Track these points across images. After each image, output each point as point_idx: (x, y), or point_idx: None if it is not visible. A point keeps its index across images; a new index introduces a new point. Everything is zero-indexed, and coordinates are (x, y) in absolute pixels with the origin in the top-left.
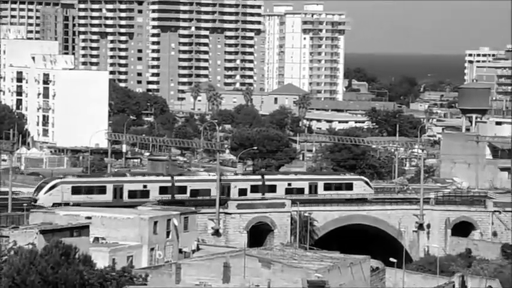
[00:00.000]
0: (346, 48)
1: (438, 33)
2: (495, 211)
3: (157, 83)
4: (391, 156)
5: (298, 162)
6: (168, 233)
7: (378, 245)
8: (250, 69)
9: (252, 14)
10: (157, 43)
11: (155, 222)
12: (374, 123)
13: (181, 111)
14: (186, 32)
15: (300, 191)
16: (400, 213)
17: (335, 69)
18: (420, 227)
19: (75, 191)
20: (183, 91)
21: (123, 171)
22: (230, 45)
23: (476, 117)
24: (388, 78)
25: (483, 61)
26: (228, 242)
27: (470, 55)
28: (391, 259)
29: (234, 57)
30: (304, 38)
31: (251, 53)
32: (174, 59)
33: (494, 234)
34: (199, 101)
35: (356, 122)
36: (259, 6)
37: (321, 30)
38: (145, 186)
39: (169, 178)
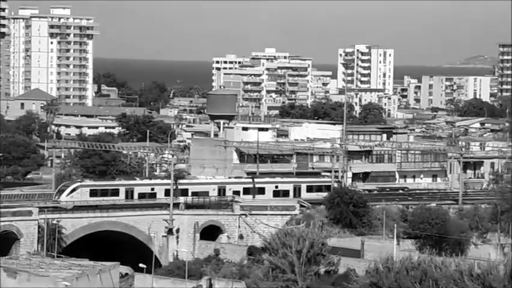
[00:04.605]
0: (95, 53)
1: (186, 40)
2: (242, 214)
3: None
4: (141, 162)
5: (47, 169)
6: None
7: (127, 251)
8: None
9: None
10: None
11: None
12: (124, 129)
13: None
14: None
15: (286, 193)
16: (150, 219)
17: (84, 74)
18: (170, 231)
19: (93, 193)
20: None
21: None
22: None
23: (223, 123)
24: (138, 84)
25: (230, 68)
26: None
27: (217, 62)
28: (141, 265)
29: None
30: (51, 42)
31: None
32: None
33: (241, 237)
34: None
35: (106, 127)
36: (3, 9)
37: (68, 34)
38: (152, 189)
39: (173, 182)
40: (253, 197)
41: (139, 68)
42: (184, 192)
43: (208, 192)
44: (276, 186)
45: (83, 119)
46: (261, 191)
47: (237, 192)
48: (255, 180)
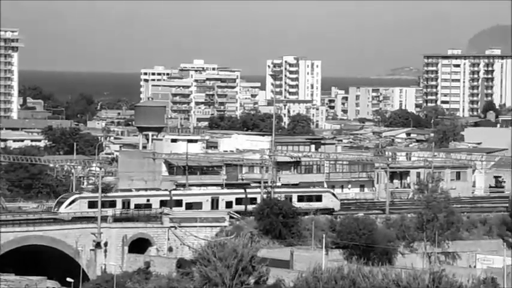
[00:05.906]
0: (20, 66)
1: (114, 52)
2: (171, 227)
3: None
4: (68, 175)
5: None
6: None
7: (55, 265)
8: None
9: None
10: None
11: None
12: (51, 142)
13: None
14: None
15: None
16: (78, 232)
17: (9, 87)
18: (97, 245)
19: (91, 205)
20: None
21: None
22: None
23: (152, 135)
24: (65, 96)
25: (158, 80)
26: None
27: (145, 73)
28: (68, 279)
29: None
30: None
31: None
32: None
33: (170, 249)
34: None
35: (32, 140)
36: None
37: None
38: (148, 200)
39: (167, 193)
40: (245, 208)
41: (66, 80)
42: (178, 203)
43: (202, 203)
44: None
45: (8, 132)
46: (253, 201)
47: (229, 203)
48: (247, 190)
